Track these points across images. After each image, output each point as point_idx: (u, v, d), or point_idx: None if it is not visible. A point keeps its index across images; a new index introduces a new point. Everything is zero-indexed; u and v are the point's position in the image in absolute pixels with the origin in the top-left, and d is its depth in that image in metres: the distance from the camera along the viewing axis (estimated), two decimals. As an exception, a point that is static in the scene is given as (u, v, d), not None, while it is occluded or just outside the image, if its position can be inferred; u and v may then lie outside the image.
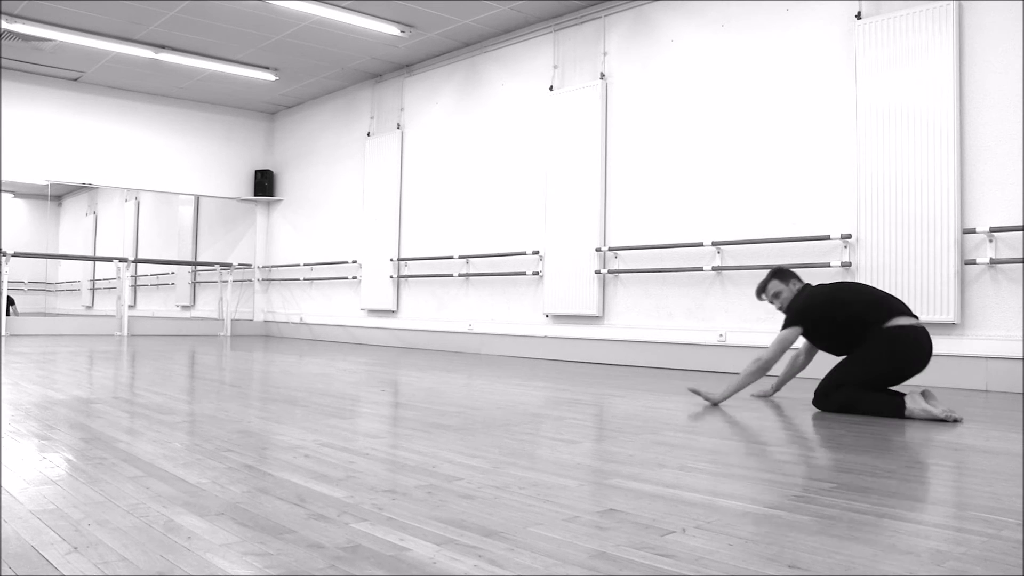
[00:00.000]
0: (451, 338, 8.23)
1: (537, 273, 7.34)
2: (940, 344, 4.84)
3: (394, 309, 8.98)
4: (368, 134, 9.53)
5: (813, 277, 5.45)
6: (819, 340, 3.88)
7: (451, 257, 8.22)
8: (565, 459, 2.42)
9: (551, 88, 7.31)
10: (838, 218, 5.37)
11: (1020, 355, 4.56)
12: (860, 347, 3.68)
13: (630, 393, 4.37)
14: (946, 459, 2.55)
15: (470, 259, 8.07)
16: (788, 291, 3.94)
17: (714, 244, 5.98)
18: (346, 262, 9.73)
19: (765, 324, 5.69)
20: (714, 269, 5.97)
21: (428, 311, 8.58)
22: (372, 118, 9.53)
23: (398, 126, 9.10)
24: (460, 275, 8.14)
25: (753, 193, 5.84)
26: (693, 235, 6.18)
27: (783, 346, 3.76)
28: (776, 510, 1.82)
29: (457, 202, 8.31)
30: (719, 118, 6.08)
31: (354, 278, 9.60)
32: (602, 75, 6.89)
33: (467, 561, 1.42)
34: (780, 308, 3.95)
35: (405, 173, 8.99)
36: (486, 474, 2.17)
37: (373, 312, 9.31)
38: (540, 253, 7.29)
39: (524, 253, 7.45)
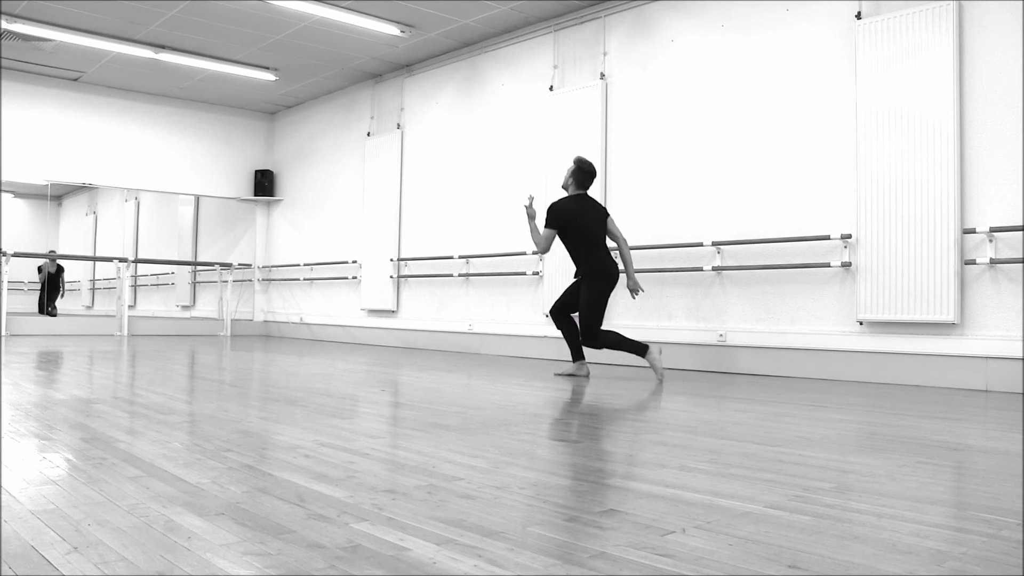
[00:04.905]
0: (451, 338, 8.23)
1: (537, 273, 7.33)
2: (940, 344, 4.84)
3: (394, 309, 8.98)
4: (368, 134, 9.53)
5: (813, 277, 5.47)
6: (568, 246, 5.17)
7: (451, 257, 8.22)
8: (565, 459, 2.42)
9: (551, 88, 7.31)
10: (838, 218, 5.37)
11: (1020, 355, 4.56)
12: (585, 276, 5.04)
13: (630, 393, 4.37)
14: (946, 459, 2.55)
15: (470, 259, 8.07)
16: (568, 182, 5.22)
17: (714, 244, 5.98)
18: (346, 262, 9.73)
19: (765, 324, 5.69)
20: (714, 269, 5.97)
21: (428, 311, 8.58)
22: (372, 118, 9.53)
23: (398, 126, 9.10)
24: (460, 275, 8.14)
25: (753, 193, 5.85)
26: (693, 235, 6.18)
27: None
28: (776, 510, 1.82)
29: (457, 202, 8.31)
30: (719, 118, 6.09)
31: (354, 278, 9.60)
32: (602, 75, 6.89)
33: (467, 561, 1.42)
34: (563, 186, 5.29)
35: (405, 173, 8.99)
36: (486, 474, 2.17)
37: (373, 312, 9.31)
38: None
39: (524, 253, 7.45)
